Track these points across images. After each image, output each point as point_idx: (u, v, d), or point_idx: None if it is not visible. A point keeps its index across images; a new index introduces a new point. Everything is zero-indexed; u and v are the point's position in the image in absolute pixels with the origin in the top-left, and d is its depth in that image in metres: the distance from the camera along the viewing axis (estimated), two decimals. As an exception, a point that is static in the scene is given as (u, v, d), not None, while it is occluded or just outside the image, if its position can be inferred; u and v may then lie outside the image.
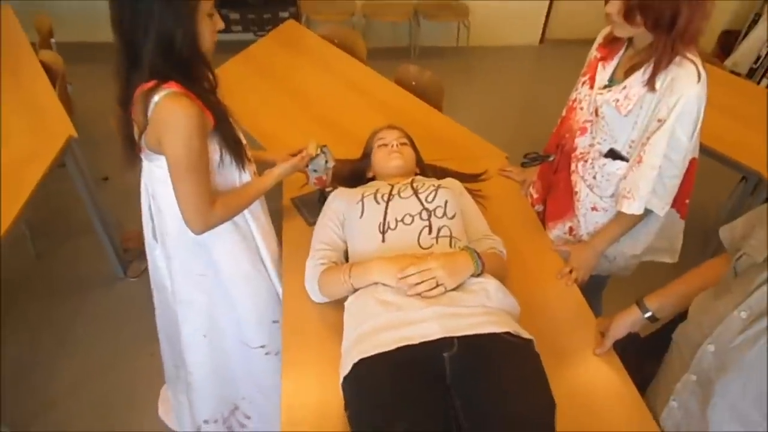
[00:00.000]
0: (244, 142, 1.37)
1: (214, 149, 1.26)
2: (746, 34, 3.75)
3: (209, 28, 1.19)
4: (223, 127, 1.25)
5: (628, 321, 1.26)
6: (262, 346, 1.57)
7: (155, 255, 1.50)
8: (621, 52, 1.39)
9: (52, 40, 2.75)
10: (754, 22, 3.70)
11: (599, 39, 1.46)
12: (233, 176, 1.35)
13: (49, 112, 2.13)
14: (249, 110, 2.21)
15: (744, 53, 3.71)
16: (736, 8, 4.19)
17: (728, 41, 4.07)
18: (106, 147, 2.62)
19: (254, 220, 1.46)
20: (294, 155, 1.50)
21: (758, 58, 3.66)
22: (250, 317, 1.52)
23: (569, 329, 1.37)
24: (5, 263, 1.55)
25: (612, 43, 1.40)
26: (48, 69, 2.37)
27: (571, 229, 1.63)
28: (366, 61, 2.66)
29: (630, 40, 1.36)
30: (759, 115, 2.29)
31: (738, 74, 3.78)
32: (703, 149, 2.15)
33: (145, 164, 1.33)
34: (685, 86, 1.24)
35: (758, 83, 3.68)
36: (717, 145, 2.13)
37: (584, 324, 1.38)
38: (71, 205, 2.63)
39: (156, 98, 1.13)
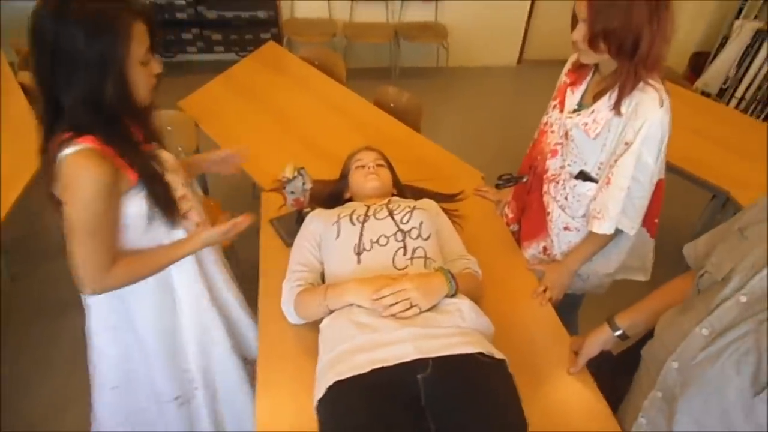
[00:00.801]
0: (181, 194, 1.29)
1: (140, 206, 1.17)
2: (715, 55, 3.88)
3: (144, 76, 1.11)
4: (149, 185, 1.16)
5: (599, 339, 1.29)
6: (177, 398, 1.50)
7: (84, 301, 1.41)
8: (588, 78, 1.44)
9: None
10: (722, 44, 3.84)
11: (568, 65, 1.51)
12: (161, 235, 1.27)
13: (27, 133, 2.11)
14: (229, 130, 2.23)
15: (714, 74, 3.84)
16: (706, 31, 4.35)
17: (699, 62, 4.20)
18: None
19: (177, 268, 1.34)
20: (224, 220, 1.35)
21: (727, 78, 3.79)
22: (164, 370, 1.46)
23: (544, 348, 1.39)
24: None
25: (580, 69, 1.45)
26: (27, 90, 2.36)
27: (545, 248, 1.66)
28: (346, 81, 2.70)
29: (596, 66, 1.40)
30: (726, 135, 2.37)
31: (708, 94, 3.91)
32: (675, 169, 2.22)
33: None
34: (649, 111, 1.28)
35: (728, 103, 3.80)
36: (687, 164, 2.20)
37: (558, 343, 1.40)
38: (47, 226, 2.61)
39: (65, 152, 1.05)
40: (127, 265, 1.20)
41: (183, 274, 1.36)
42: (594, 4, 1.21)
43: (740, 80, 3.72)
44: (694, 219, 2.91)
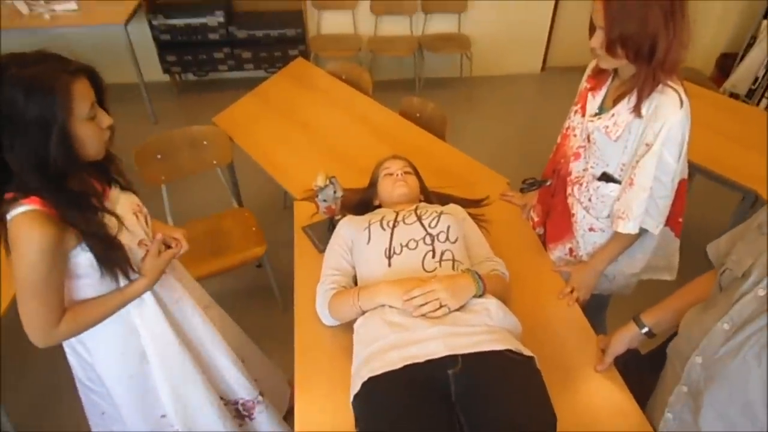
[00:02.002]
0: (141, 238, 1.29)
1: (91, 258, 1.16)
2: (743, 56, 3.83)
3: (92, 131, 1.11)
4: (91, 246, 1.15)
5: (626, 337, 1.31)
6: None
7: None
8: (608, 82, 1.47)
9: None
10: (750, 45, 3.79)
11: (588, 71, 1.55)
12: (112, 285, 1.24)
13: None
14: (261, 143, 2.33)
15: (742, 75, 3.79)
16: (734, 32, 4.29)
17: (726, 64, 4.15)
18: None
19: (138, 314, 1.34)
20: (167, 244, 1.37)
21: (756, 79, 3.74)
22: (135, 416, 1.45)
23: (571, 347, 1.42)
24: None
25: (600, 74, 1.49)
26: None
27: (571, 250, 1.69)
28: (372, 94, 2.78)
29: (615, 71, 1.44)
30: (753, 136, 2.35)
31: (737, 95, 3.85)
32: (703, 170, 2.22)
33: None
34: (669, 112, 1.32)
35: (757, 104, 3.74)
36: (715, 166, 2.19)
37: (586, 342, 1.43)
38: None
39: (11, 214, 1.06)
40: (73, 317, 1.19)
41: (145, 317, 1.36)
42: (610, 12, 1.25)
43: (770, 80, 3.67)
44: (725, 220, 2.88)
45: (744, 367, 0.89)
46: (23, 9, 3.54)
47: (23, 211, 1.06)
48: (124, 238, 1.23)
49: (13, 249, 1.08)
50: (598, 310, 1.86)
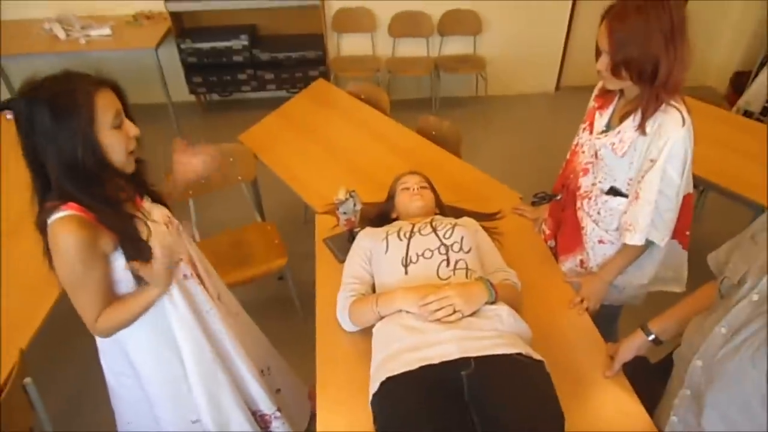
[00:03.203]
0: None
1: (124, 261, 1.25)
2: (757, 74, 3.86)
3: (118, 140, 1.19)
4: (125, 247, 1.24)
5: (634, 345, 1.37)
6: None
7: None
8: (615, 102, 1.55)
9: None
10: (763, 63, 3.83)
11: (595, 91, 1.63)
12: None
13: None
14: (284, 160, 2.44)
15: (756, 92, 3.81)
16: (747, 50, 4.34)
17: (740, 81, 4.18)
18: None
19: (175, 312, 1.41)
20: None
21: (771, 97, 3.76)
22: (168, 418, 1.53)
23: (581, 354, 1.47)
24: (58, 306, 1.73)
25: (606, 93, 1.57)
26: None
27: (581, 261, 1.75)
28: (390, 112, 2.89)
29: (621, 91, 1.52)
30: (764, 152, 2.39)
31: (751, 113, 3.88)
32: (716, 187, 2.27)
33: None
34: (672, 130, 1.39)
35: (773, 121, 3.76)
36: (727, 182, 2.24)
37: (595, 349, 1.49)
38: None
39: (52, 219, 1.16)
40: (106, 316, 1.27)
41: (182, 322, 1.42)
42: (614, 37, 1.34)
43: (784, 98, 3.69)
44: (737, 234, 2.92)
45: (741, 369, 0.95)
46: (60, 34, 3.76)
47: (61, 216, 1.16)
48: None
49: (53, 251, 1.18)
50: (609, 320, 1.90)
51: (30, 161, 1.17)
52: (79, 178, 1.15)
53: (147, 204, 1.39)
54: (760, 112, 3.83)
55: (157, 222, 1.36)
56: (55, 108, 1.11)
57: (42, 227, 1.19)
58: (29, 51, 3.68)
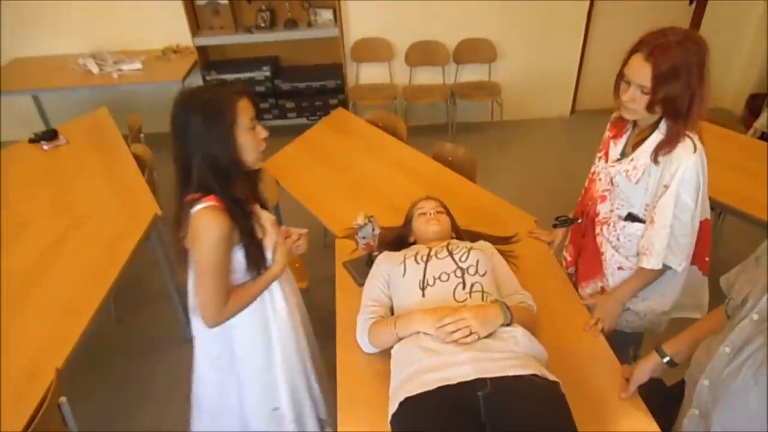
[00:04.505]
0: (269, 244, 1.51)
1: (242, 254, 1.43)
2: (773, 97, 3.87)
3: (252, 140, 1.38)
4: (246, 242, 1.42)
5: (649, 366, 1.39)
6: None
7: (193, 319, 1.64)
8: (629, 131, 1.60)
9: (141, 135, 3.22)
10: (780, 86, 3.85)
11: (611, 120, 1.67)
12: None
13: (139, 195, 2.51)
14: (305, 186, 2.52)
15: (773, 115, 3.82)
16: (762, 73, 4.35)
17: (756, 104, 4.19)
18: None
19: (273, 311, 1.61)
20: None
21: (788, 119, 3.76)
22: (253, 403, 1.67)
23: (597, 376, 1.49)
24: (91, 328, 1.84)
25: (620, 122, 1.61)
26: (138, 159, 2.79)
27: (602, 288, 1.77)
28: (407, 139, 2.97)
29: (635, 121, 1.56)
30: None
31: (768, 135, 3.88)
32: (733, 211, 2.28)
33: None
34: (683, 156, 1.43)
35: (792, 143, 3.75)
36: (744, 206, 2.24)
37: (610, 371, 1.50)
38: (147, 273, 2.97)
39: (196, 209, 1.33)
40: (235, 299, 1.46)
41: (276, 315, 1.62)
42: (659, 73, 1.34)
43: (802, 120, 3.68)
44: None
45: (744, 387, 0.97)
46: (94, 69, 3.96)
47: (205, 206, 1.33)
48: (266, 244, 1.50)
49: (197, 237, 1.35)
50: (633, 347, 1.91)
51: (180, 160, 1.36)
52: (219, 172, 1.34)
53: (258, 208, 1.54)
54: (777, 133, 3.83)
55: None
56: (208, 115, 1.30)
57: (184, 218, 1.37)
58: (64, 85, 3.89)
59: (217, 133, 1.32)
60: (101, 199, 2.50)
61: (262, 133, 1.42)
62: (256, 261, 1.47)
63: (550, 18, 4.27)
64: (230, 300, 1.44)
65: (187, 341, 2.72)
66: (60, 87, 3.91)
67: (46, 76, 3.99)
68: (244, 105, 1.36)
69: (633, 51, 1.39)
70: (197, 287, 1.43)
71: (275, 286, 1.60)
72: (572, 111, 4.78)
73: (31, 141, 2.99)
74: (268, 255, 1.52)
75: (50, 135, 3.00)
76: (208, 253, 1.36)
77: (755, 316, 0.97)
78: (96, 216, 2.38)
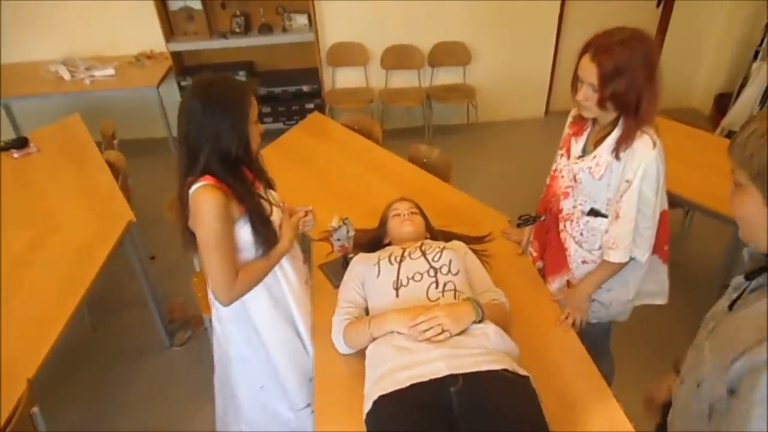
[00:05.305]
0: (278, 224, 1.57)
1: (249, 233, 1.48)
2: (737, 96, 3.99)
3: (256, 131, 1.48)
4: (252, 219, 1.47)
5: (665, 384, 1.33)
6: (308, 405, 1.75)
7: (213, 317, 1.72)
8: (589, 128, 1.65)
9: (115, 141, 3.19)
10: (743, 85, 3.96)
11: (570, 118, 1.73)
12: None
13: (113, 202, 2.49)
14: (280, 191, 2.49)
15: (737, 113, 3.94)
16: (728, 73, 4.49)
17: (723, 103, 4.32)
18: (153, 229, 2.96)
19: (287, 284, 1.66)
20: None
21: (752, 116, 3.88)
22: (291, 379, 1.71)
23: (567, 370, 1.53)
24: (64, 337, 1.79)
25: (580, 120, 1.67)
26: (112, 165, 2.76)
27: (568, 282, 1.82)
28: (384, 141, 2.99)
29: (594, 118, 1.62)
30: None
31: (735, 133, 3.99)
32: (699, 207, 2.36)
33: None
34: (644, 153, 1.48)
35: (757, 140, 3.87)
36: (710, 202, 2.32)
37: (581, 365, 1.55)
38: (123, 280, 2.94)
39: (192, 190, 1.40)
40: (246, 275, 1.49)
41: (292, 289, 1.67)
42: (604, 73, 1.41)
43: (766, 118, 3.81)
44: (720, 251, 3.05)
45: (686, 406, 0.99)
46: (66, 76, 3.91)
47: (200, 185, 1.39)
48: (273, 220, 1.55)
49: (196, 216, 1.40)
50: (602, 338, 1.96)
51: (187, 146, 1.41)
52: (227, 161, 1.40)
53: (262, 188, 1.59)
54: (743, 132, 3.95)
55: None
56: (226, 110, 1.38)
57: (185, 201, 1.43)
58: (35, 92, 3.83)
59: (232, 124, 1.39)
60: (74, 206, 2.47)
61: (261, 128, 1.51)
62: (267, 238, 1.51)
63: (522, 21, 4.35)
64: (240, 276, 1.47)
65: (165, 348, 2.73)
66: (31, 94, 3.85)
67: (16, 84, 3.92)
68: (253, 101, 1.44)
69: (583, 52, 1.46)
70: (205, 267, 1.46)
71: (285, 261, 1.64)
72: (546, 112, 4.87)
73: (0, 149, 2.94)
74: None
75: (20, 143, 2.95)
76: (208, 229, 1.40)
77: (696, 341, 0.99)
78: (68, 224, 2.35)
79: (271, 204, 1.55)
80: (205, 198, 1.38)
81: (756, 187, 0.83)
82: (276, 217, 1.56)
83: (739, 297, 0.93)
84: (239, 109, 1.39)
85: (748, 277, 0.92)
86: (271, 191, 1.62)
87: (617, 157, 1.52)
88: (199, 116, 1.37)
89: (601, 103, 1.46)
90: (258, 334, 1.65)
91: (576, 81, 1.52)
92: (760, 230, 0.86)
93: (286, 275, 1.66)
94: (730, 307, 0.94)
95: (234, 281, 1.46)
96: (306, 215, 1.70)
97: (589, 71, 1.44)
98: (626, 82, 1.40)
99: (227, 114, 1.38)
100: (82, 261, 2.11)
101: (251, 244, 1.50)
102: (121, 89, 3.86)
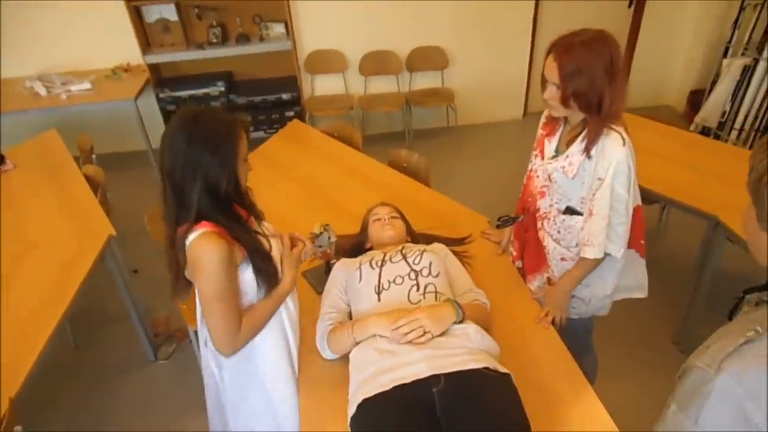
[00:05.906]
0: (278, 255, 1.47)
1: (250, 273, 1.38)
2: (710, 92, 4.09)
3: (245, 169, 1.37)
4: (253, 258, 1.37)
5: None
6: None
7: (203, 352, 1.60)
8: (561, 128, 1.69)
9: (93, 156, 3.16)
10: (714, 81, 4.06)
11: (542, 119, 1.76)
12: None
13: (92, 217, 2.47)
14: (261, 199, 2.50)
15: (710, 109, 4.03)
16: (700, 70, 4.60)
17: (696, 100, 4.42)
18: (135, 243, 2.95)
19: (286, 312, 1.55)
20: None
21: (725, 112, 3.98)
22: (291, 415, 1.59)
23: (548, 367, 1.56)
24: (46, 354, 1.77)
25: (552, 121, 1.70)
26: (91, 180, 2.74)
27: (548, 279, 1.85)
28: (364, 147, 3.01)
29: (566, 118, 1.66)
30: (717, 167, 2.54)
31: (709, 128, 4.09)
32: (674, 202, 2.40)
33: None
34: (615, 150, 1.52)
35: (729, 134, 3.97)
36: (684, 197, 2.35)
37: (560, 361, 1.58)
38: (106, 296, 2.91)
39: (190, 239, 1.28)
40: (248, 321, 1.39)
41: (292, 324, 1.57)
42: (564, 72, 1.46)
43: (737, 113, 3.91)
44: (695, 245, 3.11)
45: None
46: (41, 91, 3.87)
47: (199, 233, 1.28)
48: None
49: (196, 267, 1.29)
50: (583, 334, 2.00)
51: (172, 183, 1.29)
52: (218, 200, 1.30)
53: (254, 221, 1.50)
54: (716, 127, 4.05)
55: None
56: (214, 146, 1.27)
57: (180, 249, 1.31)
58: (10, 109, 3.77)
59: (219, 162, 1.28)
60: (53, 222, 2.45)
61: (249, 166, 1.41)
62: (269, 275, 1.41)
63: (498, 23, 4.41)
64: (244, 323, 1.38)
65: (150, 362, 2.71)
66: (6, 111, 3.79)
67: (-10, 100, 3.87)
68: (243, 136, 1.34)
69: (548, 52, 1.52)
70: (206, 319, 1.36)
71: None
72: (524, 114, 4.93)
73: (-25, 167, 2.90)
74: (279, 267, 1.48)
75: (-4, 160, 2.92)
76: (212, 282, 1.29)
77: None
78: (48, 240, 2.33)
79: (267, 238, 1.46)
80: (209, 249, 1.27)
81: (753, 202, 0.78)
82: (276, 251, 1.46)
83: (736, 307, 0.92)
84: (229, 144, 1.29)
85: (746, 291, 0.90)
86: (264, 222, 1.54)
87: (588, 156, 1.56)
88: (185, 150, 1.26)
89: (564, 101, 1.51)
90: (259, 374, 1.54)
91: (543, 81, 1.56)
92: (754, 248, 0.82)
93: (287, 307, 1.56)
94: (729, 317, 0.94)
95: (238, 331, 1.36)
96: (302, 245, 1.61)
97: (552, 70, 1.49)
98: (586, 81, 1.45)
99: (218, 150, 1.28)
100: (62, 277, 2.09)
101: (254, 285, 1.41)
102: (99, 103, 3.82)
